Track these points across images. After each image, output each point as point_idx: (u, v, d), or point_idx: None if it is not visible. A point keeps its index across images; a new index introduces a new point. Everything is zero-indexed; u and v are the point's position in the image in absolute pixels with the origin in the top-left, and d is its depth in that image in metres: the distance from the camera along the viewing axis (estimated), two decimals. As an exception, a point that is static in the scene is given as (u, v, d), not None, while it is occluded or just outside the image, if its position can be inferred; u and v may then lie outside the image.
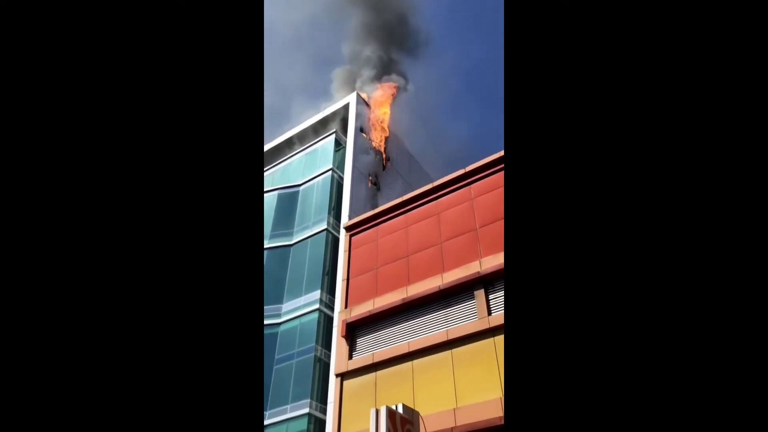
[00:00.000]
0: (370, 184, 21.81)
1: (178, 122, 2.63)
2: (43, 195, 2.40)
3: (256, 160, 2.73)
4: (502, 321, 10.86)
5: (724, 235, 2.52)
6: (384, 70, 29.12)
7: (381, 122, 24.73)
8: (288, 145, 25.04)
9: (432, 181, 16.78)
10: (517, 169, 2.75)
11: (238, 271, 2.57)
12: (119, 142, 2.53)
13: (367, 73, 28.49)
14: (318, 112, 24.85)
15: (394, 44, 31.86)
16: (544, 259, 2.65)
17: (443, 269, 12.99)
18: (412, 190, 16.56)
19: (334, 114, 24.06)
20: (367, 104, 25.05)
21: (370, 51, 30.20)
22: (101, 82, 2.57)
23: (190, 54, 2.69)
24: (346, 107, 23.79)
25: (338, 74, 31.69)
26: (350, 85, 28.91)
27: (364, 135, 23.35)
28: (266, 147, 25.80)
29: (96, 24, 2.57)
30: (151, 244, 2.51)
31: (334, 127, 23.56)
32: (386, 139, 24.21)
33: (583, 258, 2.62)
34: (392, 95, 27.23)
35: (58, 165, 2.41)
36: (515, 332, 2.64)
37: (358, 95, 24.31)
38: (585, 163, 2.69)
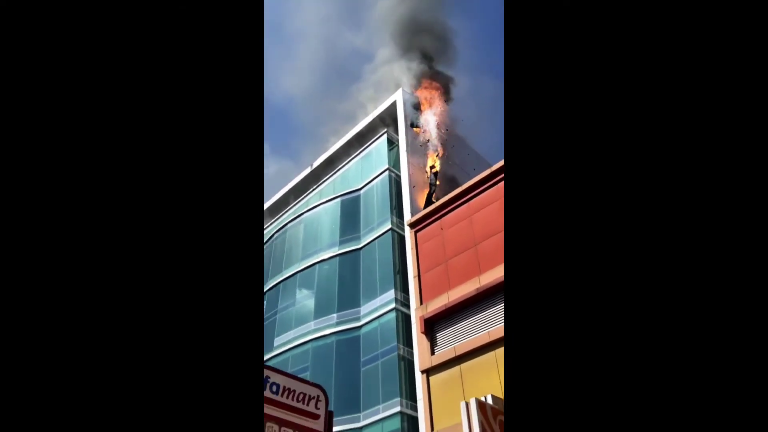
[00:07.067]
0: (428, 178, 21.75)
1: (171, 131, 2.58)
2: (35, 201, 2.39)
3: (255, 163, 2.67)
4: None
5: (724, 246, 2.38)
6: (430, 57, 28.72)
7: (431, 113, 24.55)
8: (344, 151, 25.41)
9: (490, 165, 16.52)
10: (517, 178, 2.66)
11: (237, 281, 2.52)
12: (104, 146, 2.50)
13: (413, 65, 28.19)
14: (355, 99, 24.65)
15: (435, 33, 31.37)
16: (546, 271, 2.54)
17: (513, 254, 12.79)
18: (471, 178, 16.36)
19: (382, 115, 24.17)
20: (415, 96, 24.94)
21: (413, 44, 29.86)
22: (97, 82, 2.53)
23: (183, 61, 2.60)
24: (393, 105, 23.84)
25: (380, 72, 31.61)
26: (392, 86, 28.76)
27: (416, 129, 23.29)
28: (321, 158, 26.30)
29: (92, 24, 2.56)
30: (144, 253, 2.46)
31: (385, 126, 23.67)
32: (439, 129, 24.01)
33: (586, 270, 2.52)
34: (440, 85, 26.92)
35: (48, 169, 2.42)
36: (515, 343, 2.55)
37: (404, 90, 24.24)
38: (587, 171, 2.57)
